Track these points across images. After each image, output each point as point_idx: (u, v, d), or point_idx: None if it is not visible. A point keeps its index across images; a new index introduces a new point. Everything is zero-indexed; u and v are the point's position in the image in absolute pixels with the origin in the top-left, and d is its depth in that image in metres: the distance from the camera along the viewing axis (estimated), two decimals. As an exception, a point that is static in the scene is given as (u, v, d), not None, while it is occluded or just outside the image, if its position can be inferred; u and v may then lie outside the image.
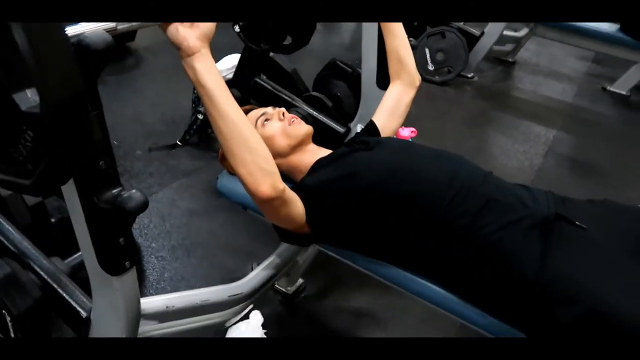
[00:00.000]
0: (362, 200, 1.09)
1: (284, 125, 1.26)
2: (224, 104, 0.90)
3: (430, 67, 3.38)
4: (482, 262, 1.00)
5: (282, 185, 0.96)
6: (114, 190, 0.85)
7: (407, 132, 2.13)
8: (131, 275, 0.97)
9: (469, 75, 3.53)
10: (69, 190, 0.86)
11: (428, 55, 3.37)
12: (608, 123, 3.18)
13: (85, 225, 0.89)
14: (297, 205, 1.05)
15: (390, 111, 1.41)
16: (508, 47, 3.83)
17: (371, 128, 1.38)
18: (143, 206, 0.83)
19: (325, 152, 1.28)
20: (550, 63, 3.96)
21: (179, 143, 2.36)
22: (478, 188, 1.07)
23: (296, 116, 1.32)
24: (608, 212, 1.08)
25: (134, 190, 0.84)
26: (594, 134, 3.01)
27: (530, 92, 3.47)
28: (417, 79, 1.42)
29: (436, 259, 1.06)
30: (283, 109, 1.31)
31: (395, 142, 1.27)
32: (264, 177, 0.93)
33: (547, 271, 0.93)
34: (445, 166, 1.13)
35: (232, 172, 1.35)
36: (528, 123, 3.02)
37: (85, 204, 0.85)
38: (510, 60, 3.93)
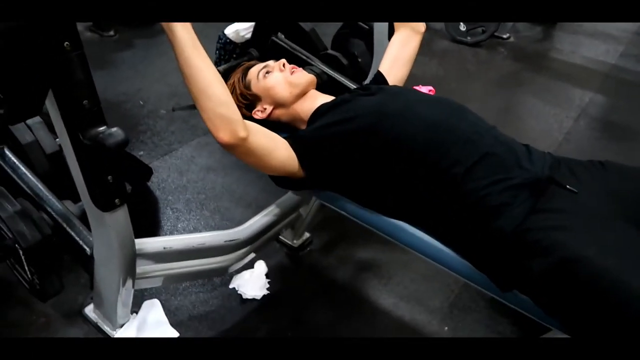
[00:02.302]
0: (359, 142, 1.09)
1: (285, 75, 1.27)
2: (190, 51, 0.94)
3: (462, 27, 3.26)
4: (467, 214, 1.00)
5: (243, 133, 0.98)
6: (99, 129, 0.90)
7: (424, 91, 2.09)
8: (122, 213, 1.03)
9: (504, 36, 3.38)
10: (60, 129, 0.92)
11: (461, 22, 3.25)
12: (653, 86, 2.99)
13: (76, 162, 0.95)
14: (273, 150, 1.07)
15: (395, 58, 1.39)
16: (549, 6, 3.63)
17: (379, 78, 1.37)
18: (122, 143, 0.88)
19: (326, 98, 1.29)
20: (595, 22, 3.72)
21: (201, 103, 2.42)
22: (477, 139, 1.05)
23: (297, 67, 1.33)
24: (606, 175, 1.04)
25: (115, 128, 0.89)
26: (635, 96, 2.83)
27: (569, 54, 3.29)
28: (422, 25, 1.40)
29: (427, 206, 1.07)
30: (284, 60, 1.32)
31: (397, 88, 1.26)
32: (222, 124, 0.97)
33: (526, 226, 0.92)
34: (446, 113, 1.11)
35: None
36: (563, 85, 2.88)
37: (72, 140, 0.91)
38: (551, 20, 3.72)
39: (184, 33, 0.93)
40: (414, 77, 2.69)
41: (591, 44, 3.42)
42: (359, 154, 1.09)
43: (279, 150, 1.08)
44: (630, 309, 0.78)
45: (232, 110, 0.98)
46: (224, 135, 0.97)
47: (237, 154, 1.03)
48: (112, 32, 3.01)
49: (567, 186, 0.98)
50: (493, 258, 0.98)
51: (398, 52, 1.38)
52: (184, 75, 0.97)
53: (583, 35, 3.54)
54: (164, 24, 0.92)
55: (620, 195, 0.98)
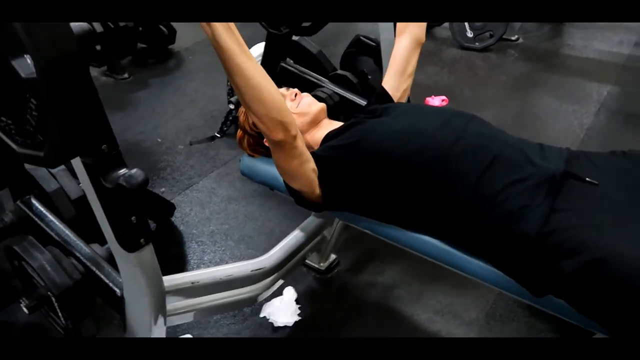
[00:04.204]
0: (368, 165, 1.10)
1: (292, 106, 1.29)
2: (238, 59, 0.91)
3: (469, 34, 3.25)
4: (488, 221, 0.98)
5: (294, 131, 1.01)
6: (120, 171, 0.91)
7: (437, 101, 2.08)
8: (148, 252, 1.03)
9: (513, 38, 3.36)
10: (82, 174, 0.94)
11: (466, 22, 3.24)
12: (672, 72, 2.91)
13: (99, 205, 0.96)
14: (308, 161, 1.09)
15: (398, 73, 1.38)
16: (555, 3, 3.60)
17: (382, 94, 1.36)
18: (143, 184, 0.89)
19: (335, 125, 1.30)
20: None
21: (218, 135, 2.45)
22: (485, 145, 1.05)
23: (308, 94, 1.35)
24: (629, 164, 1.01)
25: (135, 170, 0.90)
26: (655, 85, 2.77)
27: (582, 49, 3.24)
28: (424, 36, 1.38)
29: (447, 217, 1.05)
30: (296, 90, 1.33)
31: (402, 107, 1.25)
32: (275, 126, 0.99)
33: (550, 227, 0.90)
34: (452, 124, 1.11)
35: (251, 154, 1.40)
36: (578, 81, 2.83)
37: (94, 185, 0.92)
38: (559, 17, 3.69)
39: (231, 41, 0.90)
40: (426, 87, 2.71)
41: (603, 37, 3.37)
42: (371, 174, 1.10)
43: (312, 162, 1.11)
44: None
45: (284, 111, 0.99)
46: (277, 135, 1.00)
47: (283, 152, 1.05)
48: (126, 75, 3.09)
49: (587, 179, 0.96)
50: (521, 263, 0.95)
51: (401, 66, 1.37)
52: (234, 83, 0.95)
53: (594, 28, 3.48)
54: (210, 34, 0.89)
55: None
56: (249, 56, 0.93)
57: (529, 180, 0.97)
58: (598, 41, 3.32)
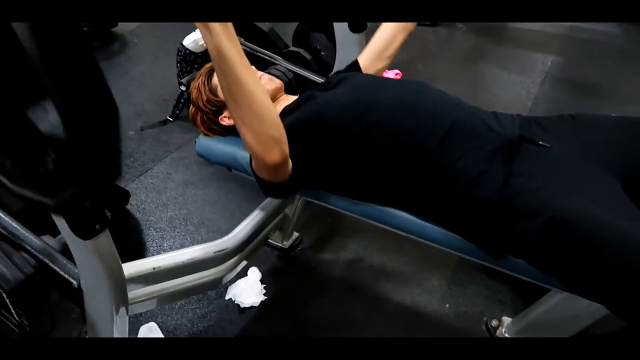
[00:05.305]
0: (328, 140, 1.09)
1: None
2: (241, 72, 0.85)
3: (419, 9, 3.27)
4: (449, 188, 1.00)
5: (286, 147, 0.96)
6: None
7: (391, 75, 2.10)
8: (105, 238, 0.99)
9: (461, 13, 3.42)
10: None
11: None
12: (610, 41, 3.05)
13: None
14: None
15: (379, 52, 1.37)
16: (499, -23, 3.68)
17: (354, 67, 1.36)
18: (94, 166, 0.85)
19: (290, 99, 1.28)
20: None
21: (170, 119, 2.38)
22: (442, 112, 1.06)
23: (265, 73, 1.32)
24: (577, 127, 1.06)
25: (84, 152, 0.85)
26: (594, 54, 2.90)
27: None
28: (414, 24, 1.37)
29: (408, 187, 1.07)
30: (253, 68, 1.30)
31: (357, 77, 1.24)
32: (274, 145, 0.93)
33: (508, 191, 0.93)
34: (408, 93, 1.11)
35: (206, 133, 1.36)
36: (525, 52, 2.93)
37: (41, 171, 0.87)
38: (503, -9, 3.78)
39: (234, 52, 0.83)
40: (378, 63, 2.71)
41: (545, 9, 3.49)
42: (333, 148, 1.09)
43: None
44: (626, 251, 0.79)
45: (281, 128, 0.93)
46: (274, 156, 0.94)
47: (274, 171, 1.01)
48: (67, 60, 2.93)
49: (540, 142, 0.99)
50: (482, 227, 0.98)
51: (383, 48, 1.35)
52: (231, 98, 0.88)
53: (536, 1, 3.60)
54: (212, 43, 0.82)
55: (593, 145, 0.99)
56: (250, 68, 0.88)
57: (486, 145, 0.99)
58: (541, 13, 3.43)
